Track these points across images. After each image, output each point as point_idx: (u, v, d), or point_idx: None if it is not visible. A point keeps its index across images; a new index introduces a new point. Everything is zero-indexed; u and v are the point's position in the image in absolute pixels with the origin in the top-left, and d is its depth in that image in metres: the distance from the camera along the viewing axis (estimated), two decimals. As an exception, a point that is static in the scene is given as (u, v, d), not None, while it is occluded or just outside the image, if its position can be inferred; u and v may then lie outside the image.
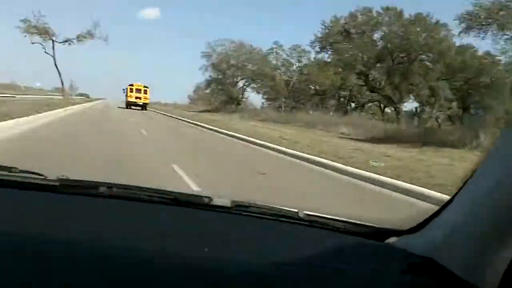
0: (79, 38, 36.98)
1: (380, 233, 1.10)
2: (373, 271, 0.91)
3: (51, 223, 0.97)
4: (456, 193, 0.88)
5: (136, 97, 43.24)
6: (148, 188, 1.20)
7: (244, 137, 15.08)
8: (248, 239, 1.06)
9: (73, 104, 28.83)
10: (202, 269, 0.87)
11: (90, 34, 37.30)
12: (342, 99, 43.66)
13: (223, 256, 0.92)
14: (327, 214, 1.19)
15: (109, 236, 0.95)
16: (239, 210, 1.16)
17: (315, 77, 40.66)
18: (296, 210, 1.16)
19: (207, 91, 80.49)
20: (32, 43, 40.05)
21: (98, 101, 58.80)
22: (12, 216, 0.98)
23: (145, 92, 43.92)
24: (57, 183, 1.13)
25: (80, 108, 28.72)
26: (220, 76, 53.19)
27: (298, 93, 45.37)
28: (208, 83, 56.36)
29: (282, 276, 0.90)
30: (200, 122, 23.02)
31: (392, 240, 1.05)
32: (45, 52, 40.84)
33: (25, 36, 39.46)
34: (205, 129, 20.03)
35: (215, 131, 18.48)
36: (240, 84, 52.99)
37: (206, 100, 74.55)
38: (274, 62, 47.38)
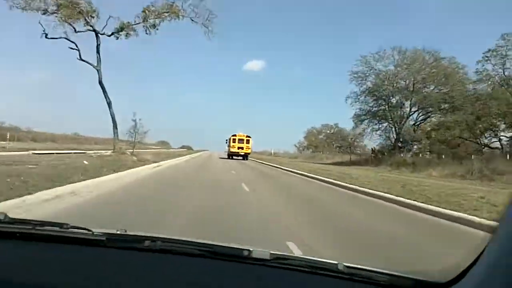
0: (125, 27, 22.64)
1: (418, 286, 1.07)
2: None
3: (94, 276, 1.04)
4: (488, 243, 0.85)
5: (239, 147, 44.52)
6: (189, 241, 1.23)
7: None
8: None
9: (130, 167, 15.48)
10: None
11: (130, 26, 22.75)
12: None
13: None
14: (367, 266, 1.16)
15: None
16: (277, 263, 1.15)
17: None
18: (336, 262, 1.14)
19: (321, 136, 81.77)
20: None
21: (200, 153, 63.33)
22: (58, 269, 1.06)
23: (247, 142, 45.28)
24: (103, 238, 1.20)
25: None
26: (377, 107, 41.28)
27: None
28: (359, 119, 43.44)
29: None
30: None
31: None
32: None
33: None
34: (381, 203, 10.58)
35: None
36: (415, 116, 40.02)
37: (321, 147, 73.90)
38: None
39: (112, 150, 23.95)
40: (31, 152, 21.16)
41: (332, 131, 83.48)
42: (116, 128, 24.39)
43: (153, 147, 77.66)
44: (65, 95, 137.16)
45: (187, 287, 1.03)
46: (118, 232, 1.28)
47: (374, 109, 42.62)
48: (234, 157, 43.63)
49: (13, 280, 0.98)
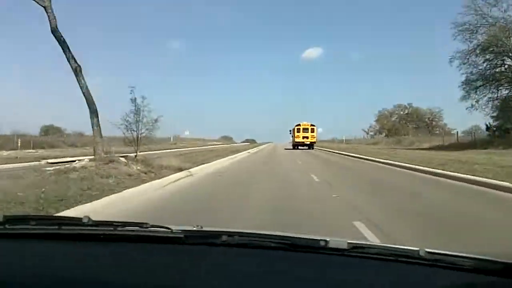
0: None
1: (507, 270, 1.02)
2: None
3: (176, 273, 1.08)
4: None
5: (304, 137, 44.01)
6: (266, 235, 1.25)
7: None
8: (363, 282, 1.03)
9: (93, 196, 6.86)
10: None
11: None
12: None
13: None
14: (451, 251, 1.11)
15: (217, 282, 1.02)
16: (356, 252, 1.14)
17: None
18: (417, 249, 1.10)
19: (394, 118, 74.19)
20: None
21: (263, 146, 57.46)
22: (141, 268, 1.10)
23: (312, 131, 44.75)
24: (182, 235, 1.23)
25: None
26: (492, 68, 29.81)
27: None
28: (471, 86, 30.84)
29: None
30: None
31: None
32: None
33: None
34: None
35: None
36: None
37: (393, 130, 65.94)
38: None
39: (92, 157, 11.32)
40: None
41: (406, 111, 75.41)
42: (97, 117, 11.23)
43: (215, 143, 76.23)
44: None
45: (266, 279, 1.05)
46: (195, 229, 1.30)
47: (489, 71, 30.77)
48: (299, 147, 42.94)
49: (98, 281, 1.02)
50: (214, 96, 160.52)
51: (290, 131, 47.55)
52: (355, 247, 1.14)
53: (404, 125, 71.62)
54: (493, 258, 1.07)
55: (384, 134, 71.27)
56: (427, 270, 1.07)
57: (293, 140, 44.94)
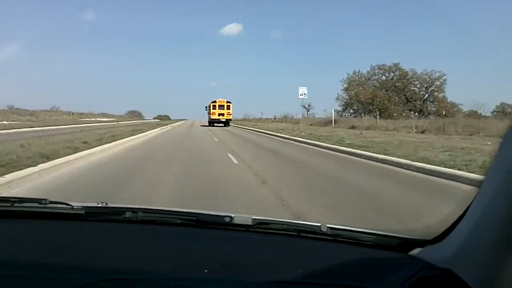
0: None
1: (404, 244, 1.08)
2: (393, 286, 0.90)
3: (74, 250, 1.02)
4: (473, 199, 0.85)
5: (219, 114, 42.80)
6: (171, 211, 1.23)
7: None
8: (266, 257, 1.03)
9: None
10: None
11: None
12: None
13: (229, 277, 0.91)
14: (351, 227, 1.16)
15: (122, 259, 0.98)
16: (260, 227, 1.15)
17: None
18: (319, 224, 1.13)
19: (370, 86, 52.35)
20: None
21: (176, 124, 49.52)
22: (37, 245, 1.04)
23: (228, 107, 43.55)
24: (83, 212, 1.18)
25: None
26: None
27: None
28: None
29: None
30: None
31: (415, 251, 1.04)
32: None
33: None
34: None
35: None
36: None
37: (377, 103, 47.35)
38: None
39: None
40: None
41: (390, 75, 52.51)
42: None
43: (105, 119, 65.60)
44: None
45: (170, 256, 1.02)
46: (98, 205, 1.26)
47: None
48: (215, 125, 41.99)
49: None
50: (124, 70, 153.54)
51: (206, 107, 46.75)
52: (260, 223, 1.15)
53: (390, 98, 51.69)
54: (390, 233, 1.13)
55: (358, 109, 52.77)
56: (328, 245, 1.10)
57: (209, 117, 44.03)
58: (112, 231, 1.16)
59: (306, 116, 58.06)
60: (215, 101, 44.10)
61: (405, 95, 53.02)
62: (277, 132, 24.95)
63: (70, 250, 1.02)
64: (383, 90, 53.47)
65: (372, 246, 1.11)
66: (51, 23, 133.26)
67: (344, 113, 56.25)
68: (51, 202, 1.21)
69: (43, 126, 29.16)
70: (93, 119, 61.40)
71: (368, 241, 1.12)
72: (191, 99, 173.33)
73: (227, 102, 44.23)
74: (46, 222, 1.20)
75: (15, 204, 1.20)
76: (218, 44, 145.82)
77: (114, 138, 14.94)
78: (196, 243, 1.10)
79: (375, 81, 55.90)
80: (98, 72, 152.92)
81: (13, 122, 33.60)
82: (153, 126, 32.27)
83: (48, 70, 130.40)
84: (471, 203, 0.84)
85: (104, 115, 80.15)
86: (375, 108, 47.47)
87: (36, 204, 1.21)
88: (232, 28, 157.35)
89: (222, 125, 42.46)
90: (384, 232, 1.16)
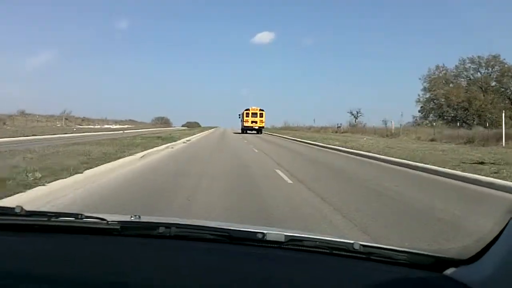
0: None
1: (439, 264, 1.05)
2: None
3: (109, 265, 1.04)
4: (510, 218, 0.82)
5: (252, 121, 44.94)
6: (204, 226, 1.25)
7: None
8: (299, 276, 1.02)
9: None
10: None
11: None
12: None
13: None
14: (384, 245, 1.14)
15: (155, 275, 0.99)
16: (293, 244, 1.15)
17: None
18: (352, 242, 1.12)
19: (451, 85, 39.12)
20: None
21: (202, 134, 36.60)
22: (73, 260, 1.05)
23: (261, 115, 45.62)
24: (118, 226, 1.22)
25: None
26: None
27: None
28: None
29: None
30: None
31: (450, 271, 1.01)
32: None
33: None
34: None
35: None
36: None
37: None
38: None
39: None
40: None
41: (489, 70, 39.43)
42: None
43: (119, 126, 57.19)
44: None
45: (202, 272, 1.02)
46: (132, 219, 1.29)
47: None
48: (248, 132, 43.84)
49: (32, 272, 0.97)
50: (154, 77, 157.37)
51: (239, 115, 48.75)
52: (292, 239, 1.15)
53: (492, 101, 38.12)
54: (425, 252, 1.11)
55: (443, 114, 40.60)
56: (361, 263, 1.08)
57: (242, 124, 46.14)
58: (146, 246, 1.18)
59: (354, 123, 52.79)
60: (248, 109, 45.87)
61: (509, 97, 40.74)
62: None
63: (103, 266, 1.04)
64: (478, 90, 41.48)
65: (405, 265, 1.09)
66: (86, 31, 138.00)
67: (425, 120, 43.57)
68: (87, 217, 1.25)
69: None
70: (98, 126, 53.61)
71: (402, 259, 1.09)
72: (221, 106, 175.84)
73: (260, 110, 45.86)
74: (81, 237, 1.23)
75: (52, 219, 1.24)
76: (249, 52, 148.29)
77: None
78: (228, 259, 1.11)
79: (462, 79, 43.32)
80: (127, 78, 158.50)
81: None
82: (166, 139, 20.07)
83: (63, 76, 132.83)
84: (508, 222, 0.82)
85: (132, 122, 75.96)
86: (473, 115, 37.14)
87: (72, 219, 1.25)
88: (264, 36, 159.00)
89: (255, 132, 44.15)
90: (418, 250, 1.13)
